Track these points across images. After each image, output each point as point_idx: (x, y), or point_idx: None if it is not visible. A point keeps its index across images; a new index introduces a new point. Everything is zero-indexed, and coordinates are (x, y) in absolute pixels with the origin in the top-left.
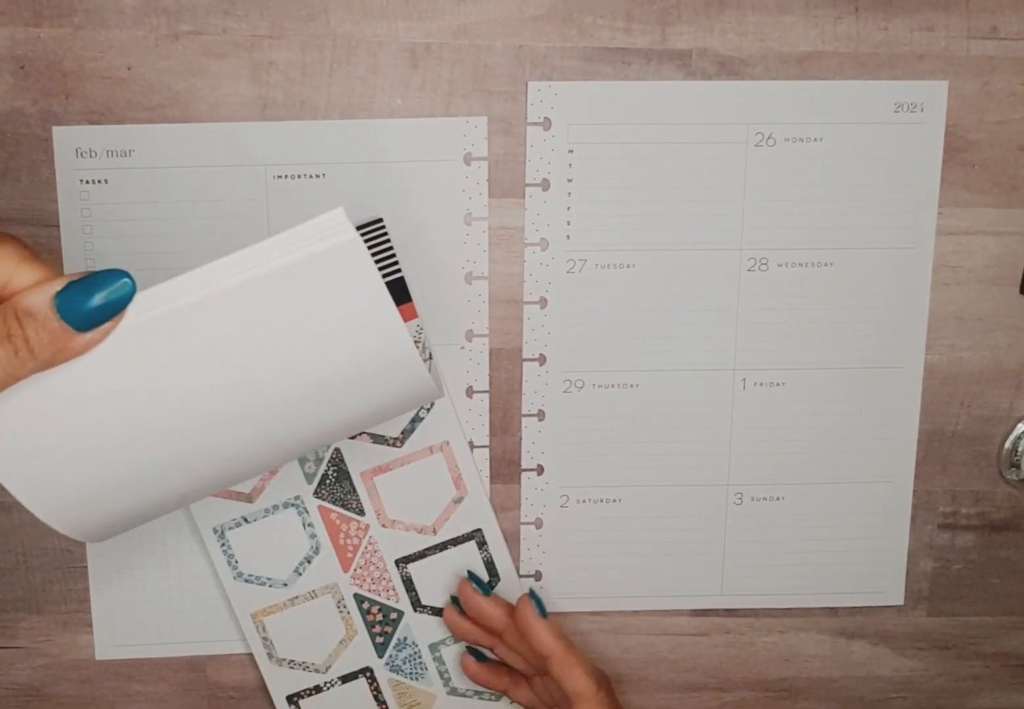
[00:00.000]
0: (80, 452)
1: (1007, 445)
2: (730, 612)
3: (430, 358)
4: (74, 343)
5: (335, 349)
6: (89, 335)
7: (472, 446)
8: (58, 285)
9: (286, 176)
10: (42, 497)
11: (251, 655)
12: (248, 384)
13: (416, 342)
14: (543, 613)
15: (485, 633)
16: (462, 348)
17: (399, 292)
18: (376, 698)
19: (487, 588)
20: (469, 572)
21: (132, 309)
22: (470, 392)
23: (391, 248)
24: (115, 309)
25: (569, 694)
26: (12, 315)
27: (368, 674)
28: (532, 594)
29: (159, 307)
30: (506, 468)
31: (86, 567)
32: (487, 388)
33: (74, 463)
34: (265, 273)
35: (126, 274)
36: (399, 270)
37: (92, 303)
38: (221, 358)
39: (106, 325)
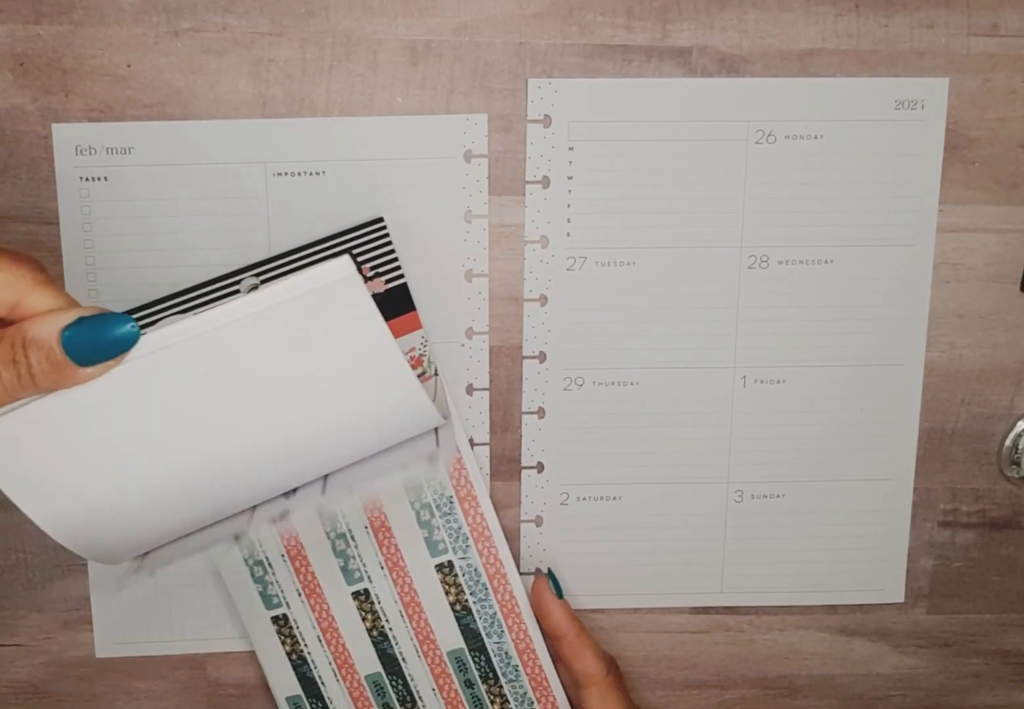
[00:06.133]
0: (87, 473)
1: (1007, 443)
2: (730, 610)
3: (436, 374)
4: (75, 376)
5: (338, 387)
6: (90, 370)
7: (472, 444)
8: (67, 319)
9: (286, 173)
10: (51, 516)
11: (252, 653)
12: (252, 418)
13: (420, 356)
14: (559, 594)
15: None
16: (462, 346)
17: (402, 300)
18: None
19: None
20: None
21: (137, 349)
22: (470, 390)
23: (393, 251)
24: (117, 351)
25: (578, 676)
26: (20, 342)
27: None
28: (550, 574)
29: (164, 346)
30: (506, 466)
31: (86, 565)
32: (487, 386)
33: (80, 484)
34: (267, 309)
35: (131, 320)
36: (402, 276)
37: (96, 343)
38: (225, 392)
39: (108, 363)
